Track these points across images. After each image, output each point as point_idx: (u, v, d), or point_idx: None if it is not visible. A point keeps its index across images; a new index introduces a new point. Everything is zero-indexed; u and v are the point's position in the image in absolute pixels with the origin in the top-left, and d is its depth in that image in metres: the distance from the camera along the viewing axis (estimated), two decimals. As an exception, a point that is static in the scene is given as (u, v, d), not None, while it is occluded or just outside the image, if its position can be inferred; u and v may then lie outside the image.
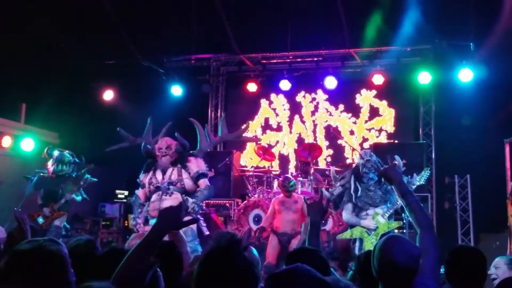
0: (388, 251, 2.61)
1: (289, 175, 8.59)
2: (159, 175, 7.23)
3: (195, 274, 1.89)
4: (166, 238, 2.77)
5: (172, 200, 6.98)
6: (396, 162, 6.67)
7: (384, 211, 6.73)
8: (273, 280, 1.86)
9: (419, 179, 7.03)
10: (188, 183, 7.20)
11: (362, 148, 11.67)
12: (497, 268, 3.92)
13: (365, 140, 12.12)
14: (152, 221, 7.05)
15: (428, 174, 7.25)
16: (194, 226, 6.95)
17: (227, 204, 10.36)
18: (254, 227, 8.99)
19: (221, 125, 7.86)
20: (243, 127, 8.33)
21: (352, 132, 12.24)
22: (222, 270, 1.85)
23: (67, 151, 8.50)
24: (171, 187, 7.10)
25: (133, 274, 2.25)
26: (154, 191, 7.18)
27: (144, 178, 7.43)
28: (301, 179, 9.85)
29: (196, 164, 7.29)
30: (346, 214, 6.92)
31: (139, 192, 7.48)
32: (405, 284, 2.60)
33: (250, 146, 12.21)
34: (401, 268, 2.57)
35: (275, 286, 1.84)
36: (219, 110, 13.04)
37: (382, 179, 6.82)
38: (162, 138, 7.44)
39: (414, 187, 6.88)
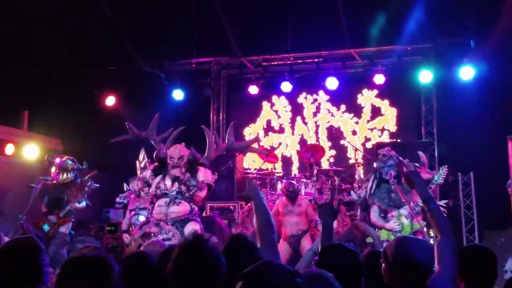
0: (405, 251, 2.61)
1: (293, 181, 8.58)
2: (168, 181, 7.20)
3: (171, 266, 2.36)
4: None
5: (179, 208, 7.01)
6: (418, 161, 6.75)
7: (408, 212, 6.72)
8: (244, 279, 1.84)
9: (437, 178, 7.04)
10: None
11: (364, 148, 11.68)
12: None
13: (367, 140, 12.11)
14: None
15: (446, 171, 7.23)
16: (198, 228, 6.97)
17: (231, 207, 10.35)
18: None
19: (228, 133, 7.84)
20: (250, 139, 8.21)
21: (354, 132, 12.24)
22: (193, 257, 2.36)
23: (67, 157, 8.53)
24: (179, 196, 7.11)
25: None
26: (160, 196, 7.19)
27: (151, 178, 7.41)
28: (304, 180, 9.85)
29: (204, 174, 7.28)
30: (373, 217, 6.98)
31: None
32: (421, 284, 2.59)
33: (252, 149, 12.19)
34: (420, 265, 2.57)
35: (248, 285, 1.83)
36: (221, 113, 13.06)
37: (402, 179, 6.85)
38: (175, 146, 7.40)
39: (433, 186, 6.91)
